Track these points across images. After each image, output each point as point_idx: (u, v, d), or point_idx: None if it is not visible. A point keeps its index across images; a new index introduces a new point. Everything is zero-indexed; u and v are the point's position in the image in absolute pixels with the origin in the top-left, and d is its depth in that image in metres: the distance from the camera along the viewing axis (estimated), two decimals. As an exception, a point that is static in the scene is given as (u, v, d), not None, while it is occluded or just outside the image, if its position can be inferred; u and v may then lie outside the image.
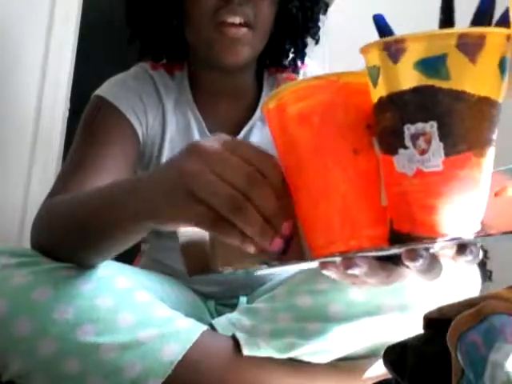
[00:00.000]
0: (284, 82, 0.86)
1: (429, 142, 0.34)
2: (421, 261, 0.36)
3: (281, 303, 0.64)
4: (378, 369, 0.63)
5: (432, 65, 0.34)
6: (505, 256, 1.53)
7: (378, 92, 0.36)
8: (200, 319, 0.64)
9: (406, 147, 0.35)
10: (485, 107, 0.34)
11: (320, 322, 0.60)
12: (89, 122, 0.78)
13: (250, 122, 0.83)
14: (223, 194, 0.39)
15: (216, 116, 0.84)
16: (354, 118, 0.38)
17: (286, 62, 0.88)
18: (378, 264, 0.39)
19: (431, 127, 0.34)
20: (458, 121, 0.34)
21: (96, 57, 2.32)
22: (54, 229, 0.60)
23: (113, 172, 0.72)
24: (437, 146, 0.34)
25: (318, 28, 0.86)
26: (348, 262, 0.38)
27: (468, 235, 0.35)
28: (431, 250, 0.38)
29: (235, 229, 0.39)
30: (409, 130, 0.35)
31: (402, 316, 0.61)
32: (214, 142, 0.42)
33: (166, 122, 0.82)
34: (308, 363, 0.61)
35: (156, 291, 0.68)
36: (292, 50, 0.87)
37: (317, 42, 0.87)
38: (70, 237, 0.58)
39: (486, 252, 1.59)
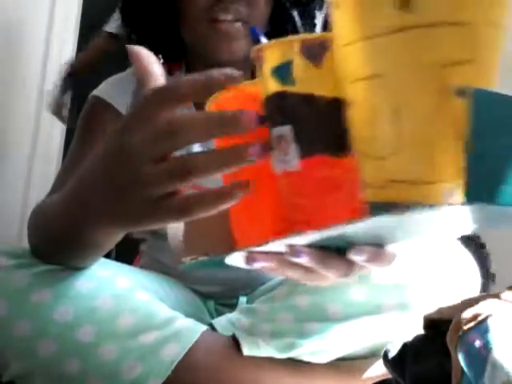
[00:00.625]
0: None
1: (287, 145, 0.36)
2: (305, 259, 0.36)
3: (280, 303, 0.64)
4: (378, 369, 0.63)
5: (281, 71, 0.35)
6: (506, 257, 1.53)
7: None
8: (200, 319, 0.64)
9: (274, 149, 0.36)
10: (336, 109, 0.34)
11: (320, 322, 0.60)
12: (86, 121, 0.79)
13: None
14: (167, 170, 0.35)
15: None
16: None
17: None
18: (286, 260, 0.38)
19: (288, 130, 0.35)
20: (310, 123, 0.35)
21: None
22: (40, 232, 0.58)
23: None
24: (293, 148, 0.35)
25: (315, 24, 0.87)
26: (251, 256, 0.37)
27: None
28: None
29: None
30: (275, 132, 0.36)
31: (402, 316, 0.61)
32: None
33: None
34: (308, 363, 0.61)
35: (156, 291, 0.68)
36: None
37: None
38: (49, 241, 0.56)
39: (487, 254, 1.60)
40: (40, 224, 0.57)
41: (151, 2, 0.80)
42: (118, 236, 0.46)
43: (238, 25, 0.74)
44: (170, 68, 0.86)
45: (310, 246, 0.37)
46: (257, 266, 0.38)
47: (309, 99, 0.35)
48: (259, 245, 0.37)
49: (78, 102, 1.77)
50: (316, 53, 0.35)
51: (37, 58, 1.75)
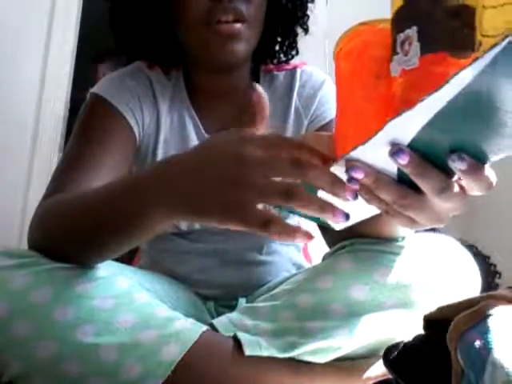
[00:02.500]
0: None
1: (410, 44, 0.38)
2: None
3: (282, 302, 0.64)
4: (378, 369, 0.63)
5: None
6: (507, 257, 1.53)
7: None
8: (200, 319, 0.64)
9: (397, 53, 0.39)
10: (463, 14, 0.36)
11: (321, 321, 0.60)
12: (86, 120, 0.78)
13: None
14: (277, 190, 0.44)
15: (212, 116, 0.84)
16: (383, 53, 0.43)
17: (280, 55, 0.89)
18: (387, 178, 0.42)
19: (413, 31, 0.38)
20: (435, 22, 0.37)
21: (96, 56, 2.32)
22: (53, 229, 0.60)
23: (111, 170, 0.72)
24: (415, 46, 0.38)
25: (308, 17, 0.87)
26: (348, 164, 0.42)
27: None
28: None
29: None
30: (400, 38, 0.39)
31: (403, 315, 0.61)
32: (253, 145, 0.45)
33: (160, 123, 0.82)
34: (309, 363, 0.61)
35: (156, 291, 0.68)
36: (283, 41, 0.89)
37: (306, 31, 0.88)
38: (72, 236, 0.58)
39: (488, 257, 1.60)
40: (61, 217, 0.60)
41: (144, 9, 0.79)
42: (165, 224, 0.51)
43: (238, 25, 0.74)
44: (167, 68, 0.85)
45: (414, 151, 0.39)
46: (356, 175, 0.42)
47: (439, 1, 0.37)
48: (366, 140, 0.40)
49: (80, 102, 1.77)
50: None
51: (36, 58, 1.75)
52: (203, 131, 0.82)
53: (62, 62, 1.78)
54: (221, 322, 0.64)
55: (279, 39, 0.88)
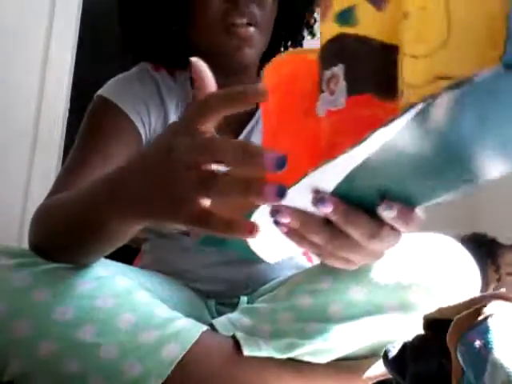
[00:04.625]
0: None
1: (336, 84, 0.37)
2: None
3: (281, 303, 0.64)
4: (378, 369, 0.63)
5: (344, 15, 0.37)
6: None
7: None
8: (200, 319, 0.64)
9: (322, 91, 0.38)
10: (390, 54, 0.35)
11: (320, 322, 0.60)
12: (92, 122, 0.78)
13: (252, 122, 0.84)
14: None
15: None
16: (313, 87, 0.41)
17: None
18: (315, 220, 0.40)
19: (339, 69, 0.37)
20: (362, 62, 0.36)
21: (96, 57, 2.32)
22: (48, 228, 0.60)
23: None
24: (342, 85, 0.37)
25: (315, 21, 0.88)
26: (276, 208, 0.39)
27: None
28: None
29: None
30: (325, 75, 0.38)
31: (403, 316, 0.61)
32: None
33: (167, 124, 0.82)
34: (308, 363, 0.61)
35: (156, 291, 0.68)
36: (291, 43, 0.90)
37: (313, 35, 0.89)
38: (61, 236, 0.57)
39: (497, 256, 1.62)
40: (52, 217, 0.59)
41: (157, 8, 0.80)
42: (136, 228, 0.50)
43: (252, 29, 0.75)
44: (173, 70, 0.85)
45: (338, 197, 0.37)
46: (282, 220, 0.39)
47: (365, 40, 0.36)
48: (289, 186, 0.37)
49: (77, 102, 1.77)
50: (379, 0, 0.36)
51: (36, 58, 1.75)
52: None
53: (62, 62, 1.78)
54: (220, 322, 0.64)
55: (286, 41, 0.89)
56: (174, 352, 0.56)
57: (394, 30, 0.35)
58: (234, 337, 0.61)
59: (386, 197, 0.37)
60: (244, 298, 0.80)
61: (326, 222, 0.40)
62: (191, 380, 0.57)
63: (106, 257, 0.62)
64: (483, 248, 1.58)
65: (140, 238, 0.93)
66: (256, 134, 0.84)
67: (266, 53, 0.86)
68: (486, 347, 0.39)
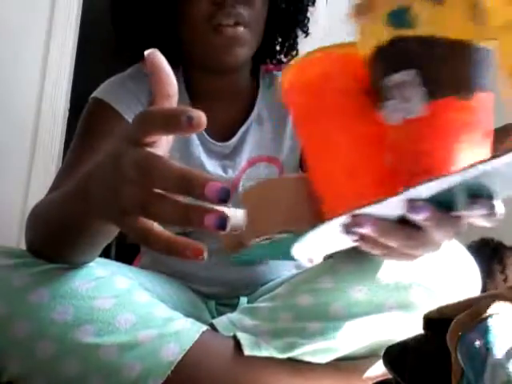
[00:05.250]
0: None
1: (410, 90, 0.35)
2: (425, 214, 0.37)
3: (282, 303, 0.64)
4: (378, 369, 0.63)
5: (397, 16, 0.35)
6: None
7: (361, 51, 0.38)
8: (200, 319, 0.64)
9: (390, 98, 0.36)
10: (460, 50, 0.34)
11: (321, 322, 0.60)
12: (87, 124, 0.79)
13: (247, 123, 0.84)
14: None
15: (212, 117, 0.83)
16: (350, 85, 0.39)
17: (280, 56, 0.89)
18: (392, 224, 0.40)
19: (410, 75, 0.35)
20: (434, 66, 0.35)
21: (96, 57, 2.32)
22: (38, 230, 0.60)
23: None
24: (418, 92, 0.35)
25: (308, 19, 0.88)
26: (356, 220, 0.38)
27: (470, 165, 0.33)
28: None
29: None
30: (389, 81, 0.36)
31: (403, 315, 0.61)
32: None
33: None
34: (308, 363, 0.61)
35: (156, 291, 0.68)
36: (283, 42, 0.90)
37: (306, 34, 0.89)
38: (51, 237, 0.57)
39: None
40: (40, 218, 0.60)
41: (148, 9, 0.80)
42: (110, 230, 0.49)
43: (240, 29, 0.75)
44: None
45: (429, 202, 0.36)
46: (361, 230, 0.38)
47: (431, 40, 0.34)
48: (369, 204, 0.35)
49: (77, 102, 1.77)
50: None
51: (36, 58, 1.75)
52: (204, 132, 0.82)
53: (62, 61, 1.78)
54: (221, 322, 0.64)
55: (280, 40, 0.89)
56: (173, 352, 0.56)
57: (457, 24, 0.33)
58: (234, 337, 0.61)
59: (473, 196, 0.36)
60: (244, 299, 0.80)
61: (401, 223, 0.40)
62: (191, 380, 0.57)
63: (106, 257, 0.62)
64: (489, 250, 1.60)
65: None
66: (251, 134, 0.84)
67: (259, 53, 0.85)
68: (486, 347, 0.39)
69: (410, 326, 0.60)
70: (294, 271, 0.85)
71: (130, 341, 0.56)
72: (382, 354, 0.51)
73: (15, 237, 1.64)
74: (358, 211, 0.37)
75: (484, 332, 0.40)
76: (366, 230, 0.39)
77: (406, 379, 0.48)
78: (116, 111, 0.78)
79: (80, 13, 1.84)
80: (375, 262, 0.63)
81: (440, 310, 0.48)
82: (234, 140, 0.83)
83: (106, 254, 0.68)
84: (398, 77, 0.35)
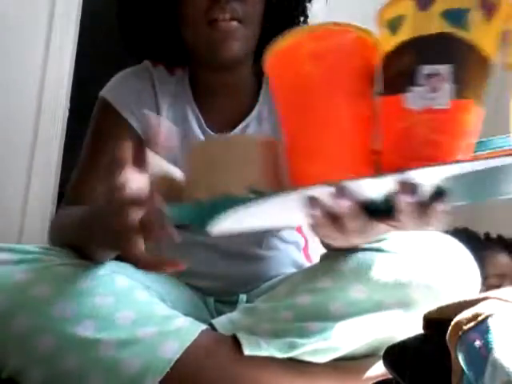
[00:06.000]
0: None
1: (440, 82, 0.38)
2: (414, 197, 0.40)
3: (281, 302, 0.64)
4: (378, 369, 0.63)
5: (456, 15, 0.38)
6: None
7: (399, 38, 0.40)
8: (200, 319, 0.64)
9: (419, 85, 0.38)
10: (488, 65, 0.39)
11: (321, 321, 0.60)
12: (94, 126, 0.85)
13: (247, 119, 0.85)
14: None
15: (214, 112, 0.85)
16: (362, 68, 0.42)
17: None
18: (360, 209, 0.44)
19: (444, 70, 0.38)
20: (469, 69, 0.38)
21: (96, 57, 2.32)
22: (55, 241, 0.72)
23: None
24: (448, 87, 0.38)
25: (307, 17, 0.89)
26: (341, 192, 0.41)
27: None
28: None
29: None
30: (424, 69, 0.38)
31: (403, 313, 0.61)
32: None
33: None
34: (308, 363, 0.61)
35: (156, 290, 0.68)
36: None
37: None
38: (67, 247, 0.66)
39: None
40: (56, 235, 0.74)
41: (151, 10, 0.83)
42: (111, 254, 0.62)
43: (235, 23, 0.77)
44: (171, 70, 0.87)
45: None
46: (344, 202, 0.42)
47: (475, 48, 0.38)
48: (362, 178, 0.40)
49: (77, 102, 1.77)
50: (491, 6, 0.38)
51: (36, 58, 1.75)
52: (205, 126, 0.84)
53: (62, 62, 1.78)
54: (220, 321, 0.64)
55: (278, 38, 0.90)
56: (172, 349, 0.56)
57: (493, 42, 0.38)
58: (234, 336, 0.61)
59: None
60: (243, 296, 0.80)
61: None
62: (190, 379, 0.57)
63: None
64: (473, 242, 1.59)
65: None
66: (251, 129, 0.84)
67: (260, 51, 0.86)
68: (486, 347, 0.39)
69: (409, 324, 0.60)
70: (293, 270, 0.85)
71: (129, 337, 0.56)
72: (381, 353, 0.51)
73: (15, 236, 1.64)
74: (346, 182, 0.40)
75: (484, 332, 0.40)
76: (343, 205, 0.42)
77: (406, 379, 0.48)
78: (118, 112, 0.82)
79: (80, 12, 1.84)
80: (374, 261, 0.63)
81: (440, 310, 0.48)
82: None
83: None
84: (434, 67, 0.38)
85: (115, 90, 0.84)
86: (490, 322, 0.41)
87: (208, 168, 0.46)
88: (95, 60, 2.28)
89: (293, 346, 0.60)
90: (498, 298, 0.44)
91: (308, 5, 0.89)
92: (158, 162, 0.51)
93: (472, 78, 0.38)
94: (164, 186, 0.50)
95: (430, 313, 0.49)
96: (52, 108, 1.76)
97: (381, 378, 0.63)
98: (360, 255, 0.64)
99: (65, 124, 1.78)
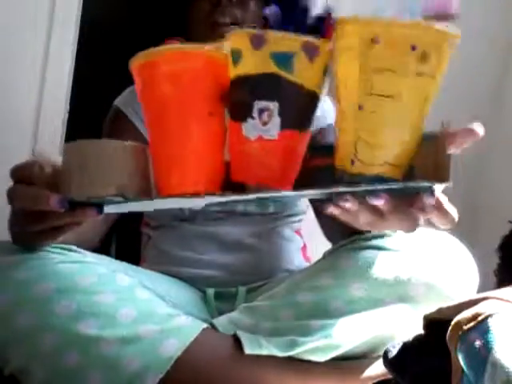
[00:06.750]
0: None
1: (270, 117, 0.44)
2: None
3: (281, 301, 0.64)
4: (378, 369, 0.63)
5: (282, 58, 0.44)
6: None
7: (238, 70, 0.46)
8: (199, 319, 0.64)
9: (253, 118, 0.45)
10: (312, 98, 0.46)
11: (321, 319, 0.61)
12: (108, 133, 0.91)
13: None
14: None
15: None
16: (213, 87, 0.47)
17: None
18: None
19: (273, 106, 0.44)
20: (293, 105, 0.45)
21: (96, 57, 2.32)
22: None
23: None
24: (276, 120, 0.44)
25: (304, 22, 0.92)
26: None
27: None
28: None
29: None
30: (257, 105, 0.44)
31: (403, 311, 0.62)
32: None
33: None
34: (309, 362, 0.61)
35: (156, 290, 0.68)
36: None
37: None
38: None
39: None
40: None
41: (161, 14, 0.91)
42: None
43: (235, 28, 0.78)
44: None
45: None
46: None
47: (300, 87, 0.44)
48: (207, 195, 0.46)
49: (77, 102, 1.77)
50: (313, 50, 0.44)
51: (36, 58, 1.75)
52: None
53: (62, 61, 1.78)
54: (221, 321, 0.65)
55: None
56: (173, 348, 0.57)
57: (316, 79, 0.45)
58: (234, 335, 0.61)
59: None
60: (242, 289, 0.80)
61: None
62: (190, 377, 0.57)
63: (106, 254, 0.63)
64: None
65: (141, 233, 0.95)
66: None
67: None
68: (486, 347, 0.39)
69: (410, 321, 0.61)
70: (292, 268, 0.86)
71: (130, 335, 0.56)
72: (381, 353, 0.51)
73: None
74: (196, 198, 0.47)
75: (484, 332, 0.40)
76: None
77: (406, 379, 0.48)
78: (128, 119, 0.89)
79: (80, 13, 1.84)
80: (374, 258, 0.63)
81: (440, 310, 0.48)
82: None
83: (106, 253, 0.68)
84: (262, 103, 0.44)
85: (125, 97, 0.93)
86: (490, 322, 0.41)
87: (78, 168, 0.48)
88: (95, 60, 2.29)
89: (293, 345, 0.60)
90: (498, 298, 0.44)
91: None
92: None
93: (297, 112, 0.45)
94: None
95: (430, 313, 0.49)
96: (52, 108, 1.76)
97: (381, 378, 0.63)
98: (361, 253, 0.64)
99: (65, 124, 1.78)
